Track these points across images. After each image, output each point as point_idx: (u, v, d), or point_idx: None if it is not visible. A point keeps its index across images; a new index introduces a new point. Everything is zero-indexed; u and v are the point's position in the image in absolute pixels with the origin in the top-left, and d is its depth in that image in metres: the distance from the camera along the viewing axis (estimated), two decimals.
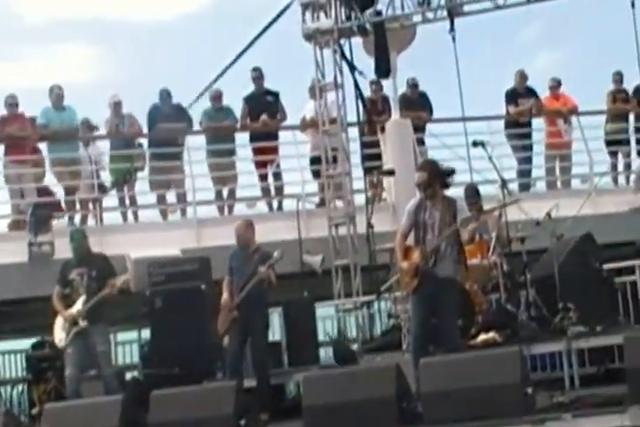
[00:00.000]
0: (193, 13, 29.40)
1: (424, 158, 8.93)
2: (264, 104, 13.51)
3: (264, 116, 13.35)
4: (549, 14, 19.83)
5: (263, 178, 13.55)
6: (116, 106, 13.13)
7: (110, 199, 13.12)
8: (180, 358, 10.08)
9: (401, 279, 8.46)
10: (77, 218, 12.96)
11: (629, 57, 11.64)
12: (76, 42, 30.34)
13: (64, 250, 10.76)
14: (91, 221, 12.74)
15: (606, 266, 10.23)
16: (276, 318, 10.94)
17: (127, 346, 12.82)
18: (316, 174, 13.27)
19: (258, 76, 13.54)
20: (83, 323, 9.68)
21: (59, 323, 9.87)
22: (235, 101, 13.65)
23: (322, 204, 13.09)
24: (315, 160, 13.27)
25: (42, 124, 12.78)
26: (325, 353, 11.10)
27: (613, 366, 9.27)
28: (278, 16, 13.45)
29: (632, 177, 14.24)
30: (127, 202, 13.15)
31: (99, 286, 9.73)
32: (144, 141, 13.43)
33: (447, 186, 8.52)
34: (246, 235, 9.91)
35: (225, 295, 9.73)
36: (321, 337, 11.36)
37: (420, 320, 8.33)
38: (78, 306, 9.74)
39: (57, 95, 12.88)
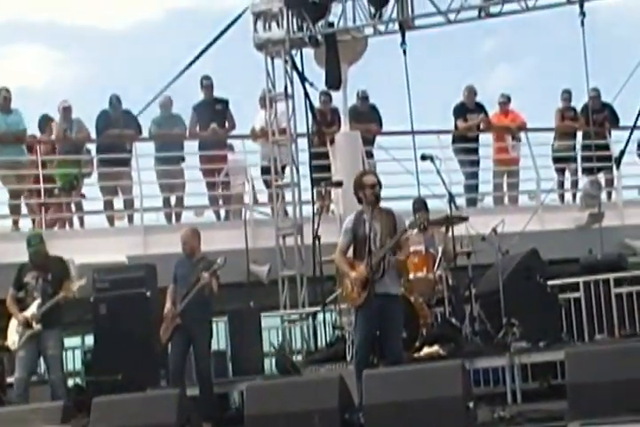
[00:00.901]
0: (148, 21, 29.35)
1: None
2: (213, 112, 13.48)
3: (213, 125, 13.32)
4: (508, 30, 20.18)
5: (211, 186, 13.51)
6: (65, 111, 13.01)
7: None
8: (123, 365, 9.99)
9: (347, 292, 8.37)
10: (22, 222, 12.84)
11: (580, 75, 11.80)
12: (30, 45, 30.09)
13: (6, 254, 10.65)
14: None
15: (551, 282, 10.34)
16: (221, 328, 10.90)
17: (70, 352, 12.67)
18: (267, 184, 13.26)
19: (208, 84, 13.51)
20: (36, 326, 9.63)
21: (12, 326, 9.80)
22: (187, 109, 13.66)
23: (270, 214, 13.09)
24: (265, 170, 13.26)
25: None
26: (270, 363, 11.06)
27: (556, 382, 9.34)
28: (230, 25, 13.44)
29: (578, 194, 14.38)
30: (73, 207, 13.05)
31: (54, 290, 9.70)
32: (92, 147, 13.34)
33: (370, 200, 8.34)
34: (192, 243, 9.85)
35: (168, 304, 9.66)
36: (266, 347, 11.31)
37: (364, 333, 8.29)
38: (33, 309, 9.68)
39: (4, 98, 12.76)
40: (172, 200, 13.39)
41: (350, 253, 8.41)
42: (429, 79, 22.99)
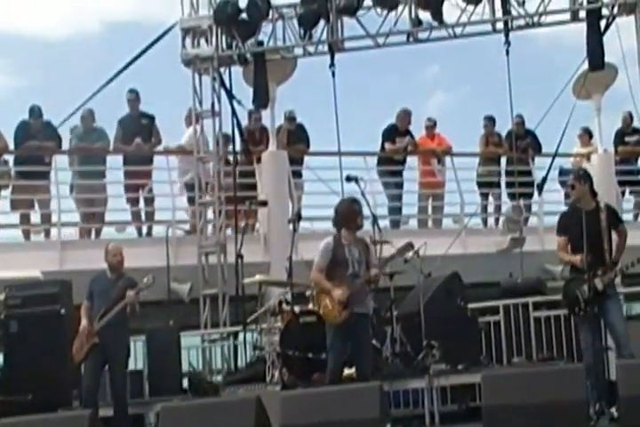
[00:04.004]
0: (86, 33, 29.16)
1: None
2: (138, 127, 13.33)
3: (137, 140, 13.17)
4: (448, 56, 20.42)
5: (134, 202, 13.33)
6: None
7: None
8: (34, 385, 9.71)
9: (327, 310, 8.51)
10: None
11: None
12: None
13: None
14: None
15: (471, 305, 10.39)
16: (139, 346, 10.72)
17: None
18: (191, 201, 13.12)
19: (134, 98, 13.36)
20: None
21: None
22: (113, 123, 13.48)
23: (193, 231, 12.95)
24: (189, 187, 13.13)
25: None
26: (189, 383, 10.90)
27: (474, 405, 9.35)
28: (156, 40, 13.34)
29: (501, 219, 14.50)
30: None
31: None
32: (10, 158, 13.06)
33: (358, 227, 8.77)
34: (117, 258, 9.65)
35: (84, 321, 9.45)
36: (185, 367, 11.15)
37: (339, 350, 8.51)
38: None
39: None
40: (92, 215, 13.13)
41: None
42: (365, 101, 23.26)
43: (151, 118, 13.44)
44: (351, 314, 8.49)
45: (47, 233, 12.87)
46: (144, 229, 13.25)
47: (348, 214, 8.74)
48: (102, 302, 9.42)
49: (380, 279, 9.16)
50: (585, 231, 8.31)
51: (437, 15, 11.93)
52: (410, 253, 9.22)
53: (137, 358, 10.75)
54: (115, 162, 13.42)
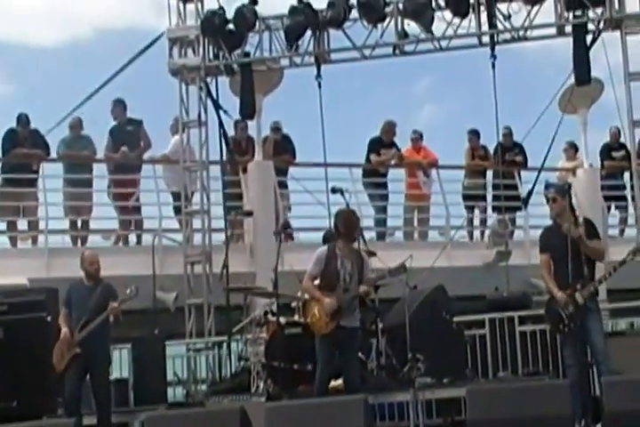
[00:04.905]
0: (77, 39, 29.10)
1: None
2: (125, 134, 13.37)
3: (123, 148, 13.16)
4: (439, 69, 20.50)
5: (121, 211, 13.30)
6: None
7: None
8: (19, 392, 9.70)
9: (315, 320, 8.58)
10: None
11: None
12: None
13: None
14: None
15: (457, 318, 10.39)
16: (124, 355, 10.68)
17: None
18: (177, 210, 13.11)
19: (117, 108, 13.42)
20: None
21: None
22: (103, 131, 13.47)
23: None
24: (176, 196, 13.12)
25: None
26: (174, 392, 10.88)
27: (459, 418, 9.34)
28: (144, 50, 13.38)
29: (487, 232, 14.53)
30: None
31: None
32: None
33: (354, 239, 8.82)
34: (94, 266, 9.60)
35: (64, 330, 9.34)
36: (170, 376, 11.12)
37: (326, 360, 8.57)
38: None
39: None
40: (79, 223, 13.11)
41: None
42: (354, 113, 23.31)
43: (138, 123, 13.44)
44: (338, 326, 8.51)
45: (34, 240, 12.84)
46: (132, 238, 13.24)
47: (345, 225, 8.74)
48: (81, 311, 9.32)
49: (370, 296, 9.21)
50: (567, 248, 8.38)
51: (426, 27, 11.96)
52: (382, 262, 9.22)
53: (122, 367, 10.72)
54: (102, 170, 13.42)
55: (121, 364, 10.64)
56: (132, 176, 13.33)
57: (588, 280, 8.47)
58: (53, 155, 13.16)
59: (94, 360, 9.33)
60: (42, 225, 12.69)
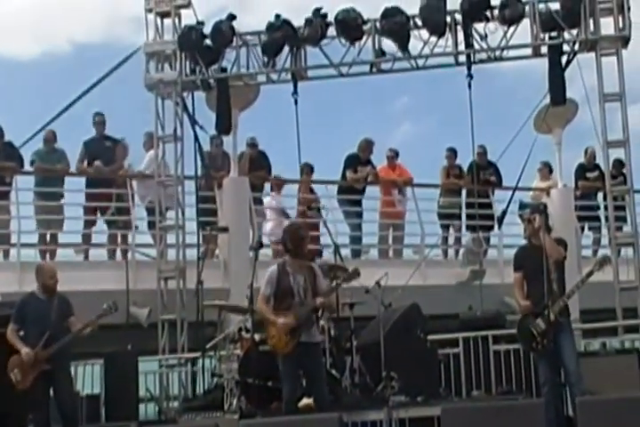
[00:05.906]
0: (51, 54, 29.01)
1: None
2: (102, 149, 13.32)
3: (97, 162, 13.11)
4: (417, 88, 20.59)
5: (94, 224, 13.23)
6: None
7: None
8: None
9: (275, 341, 8.53)
10: None
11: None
12: None
13: None
14: None
15: (431, 337, 10.39)
16: (96, 370, 10.58)
17: None
18: (151, 225, 13.05)
19: (100, 121, 13.38)
20: None
21: None
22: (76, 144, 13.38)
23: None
24: (150, 211, 13.06)
25: None
26: (145, 409, 10.78)
27: None
28: (120, 64, 13.35)
29: (461, 251, 14.56)
30: None
31: None
32: None
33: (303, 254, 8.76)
34: (54, 280, 9.40)
35: (25, 348, 9.02)
36: (142, 392, 11.02)
37: (293, 379, 8.54)
38: None
39: None
40: (47, 237, 12.99)
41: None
42: (331, 130, 23.36)
43: (115, 141, 13.39)
44: (299, 343, 8.44)
45: (6, 254, 12.73)
46: (104, 252, 13.14)
47: (293, 240, 8.65)
48: (42, 326, 9.08)
49: (331, 307, 9.13)
50: (541, 267, 8.47)
51: (402, 45, 12.01)
52: (356, 281, 9.16)
53: (94, 383, 10.62)
54: (74, 184, 13.35)
55: (93, 379, 10.53)
56: (106, 190, 13.24)
57: (557, 296, 8.53)
58: (27, 167, 13.08)
59: (58, 376, 9.14)
60: (14, 239, 12.58)
